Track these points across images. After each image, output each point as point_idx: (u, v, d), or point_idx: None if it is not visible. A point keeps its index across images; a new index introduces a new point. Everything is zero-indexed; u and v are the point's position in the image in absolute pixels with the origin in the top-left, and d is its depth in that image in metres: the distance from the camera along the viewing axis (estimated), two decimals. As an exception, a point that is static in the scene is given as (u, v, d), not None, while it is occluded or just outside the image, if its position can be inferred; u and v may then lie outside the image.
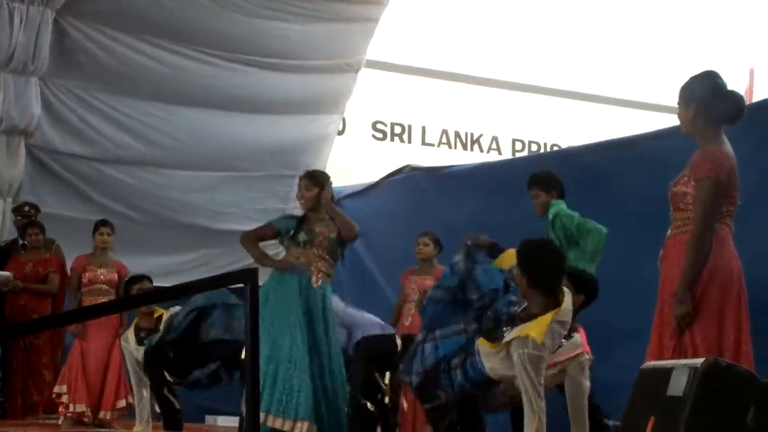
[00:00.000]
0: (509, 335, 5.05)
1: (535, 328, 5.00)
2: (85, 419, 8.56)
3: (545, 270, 5.14)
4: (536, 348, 4.97)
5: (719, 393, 3.93)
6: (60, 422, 8.64)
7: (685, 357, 4.50)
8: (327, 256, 6.59)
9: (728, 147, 4.74)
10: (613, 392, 6.30)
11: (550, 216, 6.70)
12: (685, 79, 4.90)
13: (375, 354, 5.94)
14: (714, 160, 4.64)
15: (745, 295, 4.68)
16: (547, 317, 5.03)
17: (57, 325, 8.73)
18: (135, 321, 7.95)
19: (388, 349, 6.25)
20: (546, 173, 6.89)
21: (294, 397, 6.21)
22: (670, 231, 4.84)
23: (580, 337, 5.98)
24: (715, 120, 4.71)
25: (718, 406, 3.92)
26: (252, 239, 6.78)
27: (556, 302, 5.08)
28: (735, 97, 4.80)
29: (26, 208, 9.65)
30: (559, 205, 6.69)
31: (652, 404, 4.12)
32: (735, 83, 13.39)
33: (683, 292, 4.58)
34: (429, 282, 8.35)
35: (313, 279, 6.53)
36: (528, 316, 5.09)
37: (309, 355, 6.37)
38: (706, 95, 4.73)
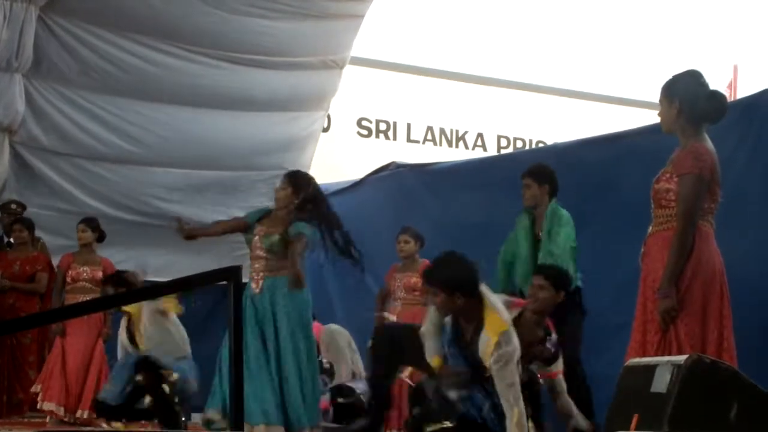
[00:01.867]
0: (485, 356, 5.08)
1: (491, 326, 5.05)
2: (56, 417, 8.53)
3: (459, 277, 5.20)
4: (507, 342, 5.02)
5: (702, 389, 3.95)
6: (48, 420, 8.62)
7: (669, 353, 4.52)
8: (265, 254, 6.45)
9: (710, 144, 4.77)
10: (597, 387, 6.33)
11: (548, 212, 6.73)
12: (669, 76, 4.92)
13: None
14: (697, 156, 4.68)
15: (726, 291, 4.72)
16: (489, 314, 5.10)
17: (42, 324, 8.71)
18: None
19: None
20: (544, 166, 6.91)
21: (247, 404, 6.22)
22: (651, 228, 4.87)
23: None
24: (697, 119, 4.76)
25: (702, 402, 3.94)
26: (218, 224, 6.72)
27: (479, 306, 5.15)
28: (717, 97, 4.85)
29: (13, 206, 9.63)
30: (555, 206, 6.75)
31: (635, 401, 4.13)
32: (719, 79, 13.44)
33: (667, 287, 4.60)
34: (414, 279, 8.35)
35: (253, 285, 6.44)
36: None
37: (266, 362, 6.29)
38: (688, 94, 4.77)
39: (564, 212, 6.73)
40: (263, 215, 6.67)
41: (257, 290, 6.39)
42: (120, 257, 9.61)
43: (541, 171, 6.87)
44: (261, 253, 6.46)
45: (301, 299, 6.48)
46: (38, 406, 8.58)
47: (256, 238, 6.49)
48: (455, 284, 5.19)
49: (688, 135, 4.76)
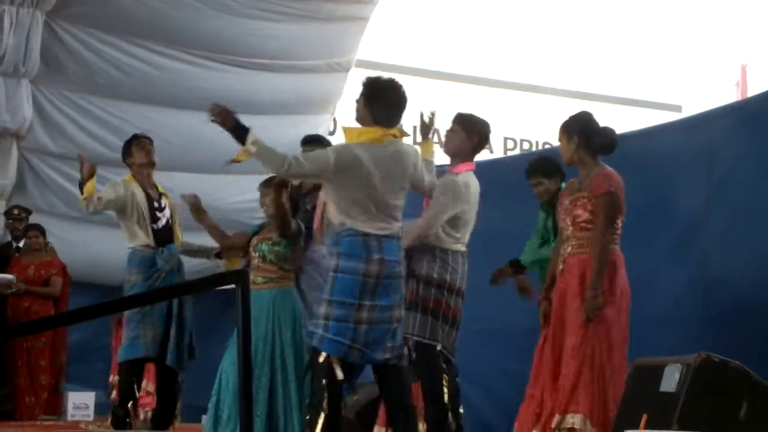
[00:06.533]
0: None
1: None
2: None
3: (388, 104, 5.59)
4: None
5: (712, 388, 3.95)
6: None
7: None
8: (261, 264, 6.37)
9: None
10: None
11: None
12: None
13: None
14: (612, 178, 5.35)
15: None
16: None
17: (54, 327, 8.69)
18: None
19: None
20: (544, 159, 6.89)
21: None
22: (570, 248, 5.39)
23: None
24: (593, 150, 5.47)
25: (711, 401, 3.94)
26: (224, 237, 6.72)
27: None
28: (608, 132, 5.54)
29: (15, 211, 9.70)
30: None
31: (645, 400, 4.12)
32: (727, 79, 13.36)
33: (597, 289, 5.13)
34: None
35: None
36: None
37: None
38: (584, 130, 5.49)
39: None
40: (261, 227, 6.66)
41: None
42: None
43: (546, 164, 6.84)
44: (259, 262, 6.38)
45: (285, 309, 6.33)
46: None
47: (250, 250, 6.45)
48: (373, 98, 5.68)
49: (589, 165, 5.46)
